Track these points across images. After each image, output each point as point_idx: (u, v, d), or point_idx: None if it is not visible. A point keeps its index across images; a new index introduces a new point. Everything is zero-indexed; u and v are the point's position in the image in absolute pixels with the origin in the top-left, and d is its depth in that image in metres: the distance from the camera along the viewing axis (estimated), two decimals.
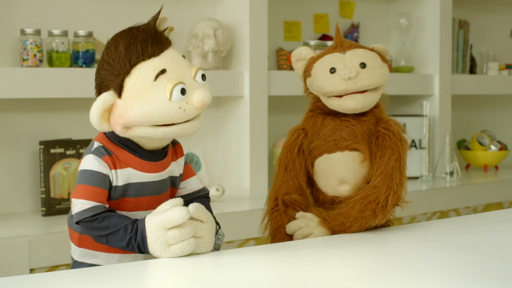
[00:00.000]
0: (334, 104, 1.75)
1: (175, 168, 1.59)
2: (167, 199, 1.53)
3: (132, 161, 1.51)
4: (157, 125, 1.46)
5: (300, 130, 1.82)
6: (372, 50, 1.78)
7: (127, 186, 1.51)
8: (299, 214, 1.75)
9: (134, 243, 1.44)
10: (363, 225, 1.71)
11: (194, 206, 1.49)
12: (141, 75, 1.45)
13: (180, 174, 1.61)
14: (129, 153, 1.51)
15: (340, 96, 1.74)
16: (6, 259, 2.27)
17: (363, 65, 1.73)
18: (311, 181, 1.81)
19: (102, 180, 1.47)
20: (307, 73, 1.79)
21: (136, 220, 1.46)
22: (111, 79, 1.47)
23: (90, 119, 1.47)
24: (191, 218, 1.48)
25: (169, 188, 1.58)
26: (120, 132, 1.47)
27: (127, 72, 1.46)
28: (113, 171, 1.49)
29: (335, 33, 1.82)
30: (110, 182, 1.49)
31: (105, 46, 1.52)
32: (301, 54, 1.81)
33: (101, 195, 1.47)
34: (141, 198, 1.53)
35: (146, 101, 1.44)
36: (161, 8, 1.56)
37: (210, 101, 1.49)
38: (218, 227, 1.57)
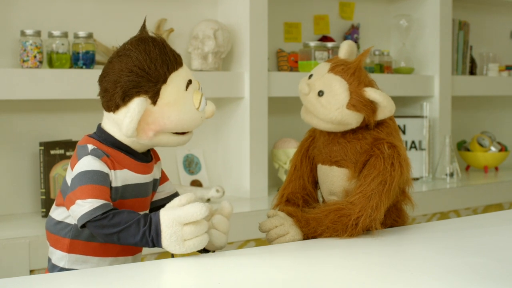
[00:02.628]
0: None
1: (156, 171, 1.62)
2: (150, 202, 1.59)
3: (127, 163, 1.52)
4: (177, 133, 1.52)
5: (312, 132, 1.84)
6: (355, 89, 1.71)
7: (125, 187, 1.52)
8: (271, 212, 1.73)
9: (148, 237, 1.44)
10: (333, 236, 1.68)
11: (229, 203, 1.58)
12: (176, 84, 1.50)
13: (159, 177, 1.64)
14: (124, 155, 1.52)
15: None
16: (6, 260, 2.27)
17: (321, 93, 1.71)
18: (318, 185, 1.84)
19: (105, 178, 1.48)
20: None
21: (147, 214, 1.46)
22: (147, 85, 1.48)
23: (125, 124, 1.46)
24: (221, 213, 1.56)
25: (152, 191, 1.61)
26: (150, 138, 1.50)
27: (165, 80, 1.49)
28: (112, 171, 1.50)
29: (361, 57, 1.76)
30: (110, 182, 1.50)
31: (121, 51, 1.51)
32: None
33: (107, 193, 1.47)
34: (135, 200, 1.54)
35: (181, 109, 1.49)
36: (145, 19, 1.58)
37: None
38: None
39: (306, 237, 1.71)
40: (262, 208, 2.75)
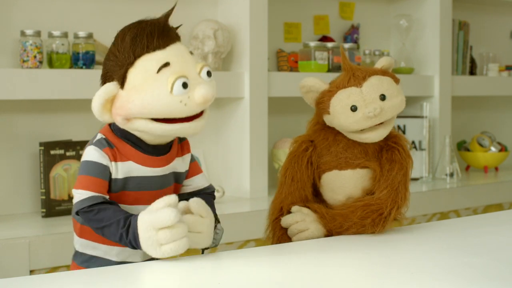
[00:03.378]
0: (354, 137, 1.74)
1: (180, 164, 1.58)
2: (170, 194, 1.51)
3: (133, 155, 1.50)
4: (158, 120, 1.46)
5: (309, 142, 1.78)
6: (383, 73, 1.75)
7: (127, 179, 1.50)
8: (295, 208, 1.74)
9: (126, 239, 1.43)
10: (359, 231, 1.71)
11: (194, 201, 1.49)
12: (144, 67, 1.45)
13: (186, 171, 1.60)
14: (131, 147, 1.50)
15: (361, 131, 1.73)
16: (6, 261, 2.27)
17: (382, 97, 1.71)
18: (316, 192, 1.81)
19: (102, 171, 1.47)
20: (324, 110, 1.75)
21: (131, 215, 1.45)
22: (115, 70, 1.47)
23: (92, 109, 1.47)
24: (190, 213, 1.48)
25: (173, 183, 1.57)
26: (120, 123, 1.47)
27: (131, 63, 1.46)
28: (113, 163, 1.49)
29: (342, 59, 1.77)
30: (110, 174, 1.49)
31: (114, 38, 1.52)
32: (312, 87, 1.76)
33: (100, 185, 1.47)
34: (141, 192, 1.52)
35: (147, 92, 1.43)
36: (175, 4, 1.55)
37: (213, 97, 1.49)
38: (217, 221, 1.57)
39: (330, 233, 1.72)
40: (262, 208, 2.75)
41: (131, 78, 1.45)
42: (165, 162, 1.54)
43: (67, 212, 2.69)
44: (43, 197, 2.68)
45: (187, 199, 1.53)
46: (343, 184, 1.75)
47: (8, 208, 2.74)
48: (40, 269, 2.33)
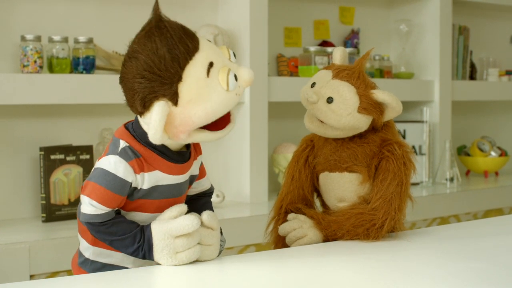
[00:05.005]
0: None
1: (196, 167, 1.55)
2: (183, 200, 1.52)
3: (160, 164, 1.44)
4: (212, 131, 1.41)
5: (309, 141, 1.80)
6: (364, 92, 1.72)
7: (153, 188, 1.45)
8: (291, 216, 1.74)
9: (141, 252, 1.42)
10: (353, 239, 1.70)
11: (208, 214, 1.48)
12: (193, 77, 1.37)
13: (198, 173, 1.57)
14: (157, 155, 1.44)
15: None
16: (6, 265, 2.27)
17: (330, 100, 1.70)
18: (318, 192, 1.81)
19: (124, 187, 1.41)
20: None
21: (143, 227, 1.43)
22: (162, 88, 1.37)
23: (150, 134, 1.37)
24: (202, 225, 1.47)
25: (188, 187, 1.55)
26: (183, 139, 1.41)
27: (179, 78, 1.36)
28: (138, 175, 1.42)
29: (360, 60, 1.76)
30: (132, 187, 1.43)
31: (130, 53, 1.41)
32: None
33: (117, 201, 1.42)
34: (164, 200, 1.48)
35: (207, 100, 1.37)
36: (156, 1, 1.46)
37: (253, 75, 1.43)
38: (220, 232, 1.56)
39: (326, 239, 1.72)
40: (262, 213, 2.75)
41: (185, 93, 1.37)
42: (187, 169, 1.50)
43: (67, 216, 2.69)
44: (43, 201, 2.68)
45: (189, 201, 1.53)
46: (333, 186, 1.75)
47: (8, 212, 2.74)
48: (40, 274, 2.32)
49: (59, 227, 2.59)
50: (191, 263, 1.46)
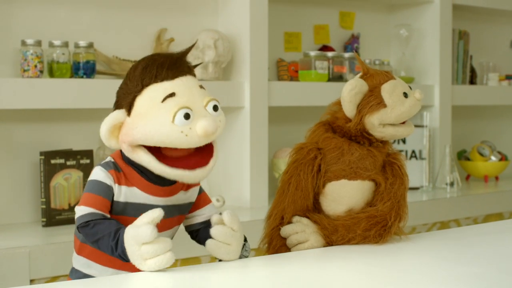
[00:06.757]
0: (389, 132, 1.72)
1: (182, 197, 1.58)
2: (174, 225, 1.57)
3: (138, 181, 1.52)
4: (160, 162, 1.46)
5: (317, 150, 1.74)
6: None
7: (127, 204, 1.51)
8: (295, 219, 1.72)
9: (115, 252, 1.44)
10: (361, 242, 1.70)
11: (228, 213, 1.53)
12: (150, 95, 1.47)
13: (190, 203, 1.60)
14: (137, 173, 1.52)
15: (394, 125, 1.73)
16: (6, 270, 2.27)
17: (405, 95, 1.76)
18: (314, 201, 1.76)
19: (105, 190, 1.49)
20: (380, 105, 1.72)
21: (122, 227, 1.45)
22: (124, 97, 1.50)
23: (100, 134, 1.49)
24: (222, 223, 1.51)
25: (176, 215, 1.57)
26: (126, 150, 1.49)
27: (138, 91, 1.48)
28: (116, 185, 1.50)
29: (360, 64, 1.78)
30: (113, 195, 1.50)
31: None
32: (362, 86, 1.72)
33: (101, 203, 1.48)
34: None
35: (150, 120, 1.45)
36: (195, 43, 1.66)
37: (215, 131, 1.50)
38: (245, 240, 1.58)
39: (330, 245, 1.71)
40: (262, 218, 2.74)
41: (138, 106, 1.48)
42: (168, 193, 1.54)
43: (67, 221, 2.69)
44: (44, 206, 2.68)
45: (199, 229, 1.58)
46: (350, 194, 1.72)
47: (8, 217, 2.74)
48: (40, 279, 2.32)
49: (59, 232, 2.59)
50: (188, 268, 1.46)
